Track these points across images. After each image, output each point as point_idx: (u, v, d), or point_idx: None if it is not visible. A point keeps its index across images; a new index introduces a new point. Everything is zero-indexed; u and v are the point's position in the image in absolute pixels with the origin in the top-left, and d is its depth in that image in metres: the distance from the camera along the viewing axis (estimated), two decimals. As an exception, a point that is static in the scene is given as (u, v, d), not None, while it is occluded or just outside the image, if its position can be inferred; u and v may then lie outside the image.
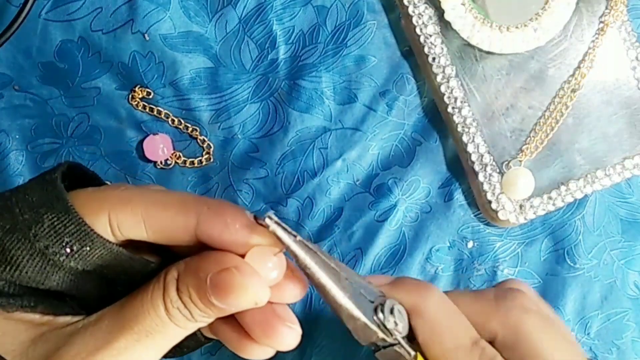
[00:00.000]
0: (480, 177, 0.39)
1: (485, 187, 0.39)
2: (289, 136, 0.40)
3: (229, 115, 0.40)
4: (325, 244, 0.40)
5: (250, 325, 0.25)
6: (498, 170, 0.39)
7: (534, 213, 0.40)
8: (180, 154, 0.40)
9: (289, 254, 0.24)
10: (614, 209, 0.41)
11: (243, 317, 0.25)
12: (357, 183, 0.41)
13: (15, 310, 0.24)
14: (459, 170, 0.41)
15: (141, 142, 0.40)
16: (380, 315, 0.25)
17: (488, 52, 0.39)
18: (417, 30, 0.39)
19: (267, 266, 0.24)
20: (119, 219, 0.23)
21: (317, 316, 0.40)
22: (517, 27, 0.39)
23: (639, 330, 0.41)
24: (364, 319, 0.24)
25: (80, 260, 0.23)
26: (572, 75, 0.40)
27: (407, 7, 0.39)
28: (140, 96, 0.39)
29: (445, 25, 0.39)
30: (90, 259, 0.23)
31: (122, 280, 0.25)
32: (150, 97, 0.40)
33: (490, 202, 0.39)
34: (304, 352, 0.40)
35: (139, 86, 0.39)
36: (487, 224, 0.41)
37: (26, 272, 0.23)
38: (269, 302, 0.24)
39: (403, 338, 0.25)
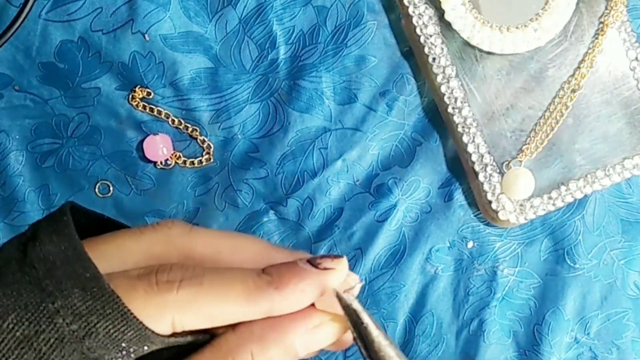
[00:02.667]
0: (481, 178, 0.39)
1: (486, 187, 0.39)
2: (289, 136, 0.40)
3: (229, 116, 0.40)
4: (325, 244, 0.40)
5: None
6: (498, 171, 0.39)
7: (534, 213, 0.40)
8: (180, 154, 0.40)
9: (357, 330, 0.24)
10: (614, 209, 0.41)
11: None
12: (357, 183, 0.41)
13: None
14: (459, 170, 0.41)
15: (141, 142, 0.40)
16: None
17: (488, 53, 0.39)
18: (418, 30, 0.39)
19: (335, 302, 0.24)
20: (184, 323, 0.22)
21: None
22: (517, 28, 0.39)
23: (639, 330, 0.41)
24: None
25: (133, 357, 0.22)
26: (572, 75, 0.40)
27: (408, 7, 0.39)
28: (141, 96, 0.39)
29: (445, 25, 0.39)
30: (146, 351, 0.22)
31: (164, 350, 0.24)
32: (150, 97, 0.40)
33: (490, 202, 0.39)
34: (304, 352, 0.40)
35: (139, 86, 0.39)
36: (487, 224, 0.41)
37: None
38: None
39: None
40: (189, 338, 0.23)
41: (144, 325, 0.21)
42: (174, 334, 0.23)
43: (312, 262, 0.24)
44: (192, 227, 0.25)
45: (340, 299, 0.23)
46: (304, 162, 0.40)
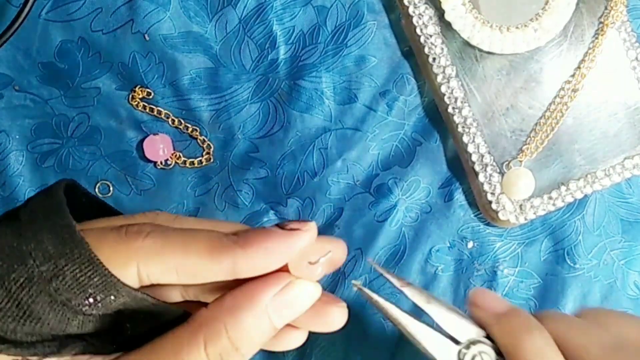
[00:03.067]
0: (481, 178, 0.39)
1: (486, 187, 0.39)
2: (289, 136, 0.40)
3: (229, 116, 0.40)
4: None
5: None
6: (498, 171, 0.39)
7: (534, 213, 0.40)
8: (180, 154, 0.40)
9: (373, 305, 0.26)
10: (614, 209, 0.41)
11: None
12: (357, 183, 0.41)
13: (39, 358, 0.23)
14: (459, 170, 0.41)
15: (141, 142, 0.40)
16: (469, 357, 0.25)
17: (488, 53, 0.39)
18: (418, 30, 0.39)
19: (313, 270, 0.24)
20: (149, 270, 0.23)
21: (317, 316, 0.40)
22: (517, 28, 0.39)
23: None
24: None
25: (102, 308, 0.22)
26: (572, 75, 0.40)
27: (408, 7, 0.39)
28: (141, 96, 0.39)
29: (445, 25, 0.39)
30: (113, 305, 0.23)
31: (139, 318, 0.24)
32: (151, 97, 0.40)
33: (490, 202, 0.39)
34: (304, 353, 0.40)
35: (139, 86, 0.39)
36: (487, 224, 0.41)
37: (47, 324, 0.22)
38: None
39: None
40: (158, 303, 0.23)
41: (109, 271, 0.22)
42: (142, 289, 0.23)
43: (280, 226, 0.24)
44: (176, 216, 0.26)
45: (362, 292, 0.25)
46: (304, 162, 0.40)
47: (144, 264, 0.23)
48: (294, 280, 0.24)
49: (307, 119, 0.40)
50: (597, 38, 0.39)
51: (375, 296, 0.26)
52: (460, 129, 0.39)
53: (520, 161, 0.39)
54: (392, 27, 0.41)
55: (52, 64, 0.39)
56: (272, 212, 0.40)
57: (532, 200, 0.39)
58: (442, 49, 0.39)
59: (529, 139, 0.40)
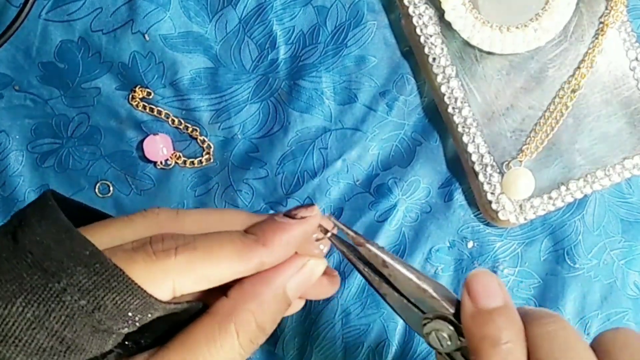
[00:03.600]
0: (481, 178, 0.39)
1: (486, 187, 0.39)
2: (289, 136, 0.40)
3: (229, 116, 0.40)
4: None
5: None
6: (498, 171, 0.39)
7: (534, 213, 0.40)
8: (180, 154, 0.40)
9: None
10: (614, 209, 0.41)
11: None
12: (357, 183, 0.41)
13: None
14: (459, 170, 0.41)
15: (141, 142, 0.40)
16: (426, 331, 0.26)
17: (488, 53, 0.39)
18: (418, 30, 0.39)
19: (317, 248, 0.27)
20: (183, 285, 0.23)
21: (317, 317, 0.40)
22: (517, 28, 0.39)
23: (639, 330, 0.41)
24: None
25: (139, 325, 0.23)
26: (572, 75, 0.40)
27: (408, 7, 0.39)
28: (141, 96, 0.39)
29: (445, 25, 0.39)
30: (151, 318, 0.23)
31: (163, 319, 0.25)
32: (151, 97, 0.40)
33: (490, 202, 0.39)
34: (304, 352, 0.40)
35: (139, 86, 0.39)
36: (487, 224, 0.41)
37: (90, 352, 0.22)
38: None
39: (451, 353, 0.26)
40: (185, 305, 0.24)
41: (148, 293, 0.22)
42: (172, 301, 0.24)
43: (289, 215, 0.26)
44: (177, 210, 0.27)
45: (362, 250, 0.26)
46: (304, 162, 0.40)
47: (179, 280, 0.23)
48: (307, 261, 0.26)
49: (307, 119, 0.40)
50: (597, 38, 0.39)
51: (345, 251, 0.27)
52: (460, 129, 0.39)
53: (520, 161, 0.39)
54: (392, 27, 0.41)
55: (52, 64, 0.39)
56: (272, 212, 0.40)
57: (532, 200, 0.39)
58: (442, 49, 0.39)
59: (529, 139, 0.40)
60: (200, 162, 0.40)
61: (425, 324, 0.26)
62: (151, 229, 0.25)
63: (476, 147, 0.39)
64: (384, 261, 0.25)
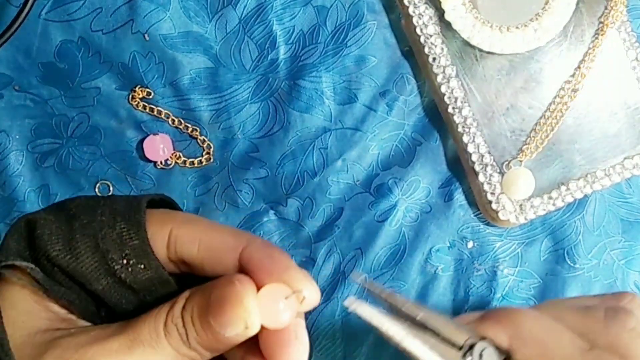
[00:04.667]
0: (481, 177, 0.39)
1: (486, 187, 0.39)
2: (289, 136, 0.40)
3: (229, 115, 0.40)
4: (325, 244, 0.40)
5: (266, 346, 0.24)
6: (498, 171, 0.39)
7: (534, 213, 0.40)
8: (180, 154, 0.40)
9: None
10: (614, 209, 0.41)
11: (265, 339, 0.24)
12: (357, 183, 0.41)
13: (53, 297, 0.24)
14: (459, 170, 0.41)
15: (141, 142, 0.40)
16: (476, 355, 0.26)
17: (488, 52, 0.39)
18: (418, 30, 0.39)
19: (277, 301, 0.23)
20: (179, 235, 0.25)
21: (317, 317, 0.40)
22: (517, 28, 0.39)
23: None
24: None
25: (130, 275, 0.24)
26: (572, 75, 0.40)
27: (408, 7, 0.39)
28: (141, 96, 0.39)
29: (445, 25, 0.39)
30: (140, 277, 0.24)
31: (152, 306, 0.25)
32: (151, 97, 0.40)
33: (490, 202, 0.39)
34: (304, 352, 0.40)
35: (139, 86, 0.39)
36: (487, 224, 0.41)
37: (82, 267, 0.24)
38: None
39: None
40: (167, 275, 0.25)
41: (147, 239, 0.24)
42: (170, 275, 0.25)
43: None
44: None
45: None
46: (304, 162, 0.40)
47: (176, 228, 0.25)
48: (237, 282, 0.23)
49: (307, 119, 0.40)
50: (597, 38, 0.39)
51: (367, 312, 0.25)
52: (460, 129, 0.39)
53: (520, 161, 0.39)
54: (392, 27, 0.41)
55: (52, 64, 0.39)
56: (272, 212, 0.40)
57: (532, 200, 0.39)
58: (442, 49, 0.39)
59: (529, 138, 0.40)
60: (200, 162, 0.40)
61: (471, 348, 0.26)
62: None
63: (476, 147, 0.39)
64: (416, 306, 0.26)
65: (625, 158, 0.40)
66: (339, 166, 0.41)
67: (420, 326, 0.26)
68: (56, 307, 0.25)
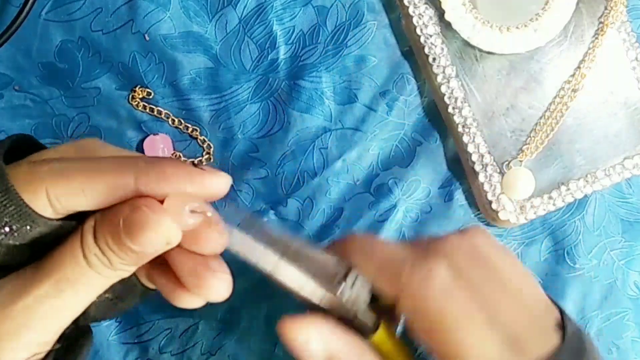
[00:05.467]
0: (481, 178, 0.39)
1: (486, 187, 0.39)
2: (289, 136, 0.40)
3: (229, 116, 0.40)
4: (325, 244, 0.40)
5: (183, 276, 0.25)
6: (498, 171, 0.39)
7: (535, 213, 0.40)
8: (181, 154, 0.40)
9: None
10: (614, 209, 0.41)
11: (177, 268, 0.25)
12: (357, 183, 0.41)
13: None
14: (459, 170, 0.41)
15: (141, 142, 0.40)
16: (341, 290, 0.26)
17: (488, 53, 0.39)
18: (418, 30, 0.39)
19: (183, 210, 0.24)
20: (57, 193, 0.23)
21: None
22: (517, 28, 0.39)
23: (639, 330, 0.41)
24: (325, 299, 0.25)
25: (19, 238, 0.23)
26: (572, 75, 0.40)
27: (408, 7, 0.39)
28: (141, 96, 0.39)
29: (445, 25, 0.39)
30: (30, 235, 0.23)
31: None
32: (151, 97, 0.40)
33: (490, 202, 0.39)
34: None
35: (139, 86, 0.39)
36: (487, 224, 0.41)
37: None
38: (200, 254, 0.25)
39: (365, 309, 0.26)
40: (60, 222, 0.24)
41: (23, 201, 0.22)
42: (59, 220, 0.24)
43: (194, 163, 0.25)
44: (103, 143, 0.27)
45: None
46: (304, 162, 0.40)
47: (51, 187, 0.23)
48: (145, 208, 0.23)
49: (307, 119, 0.40)
50: (597, 38, 0.39)
51: (238, 241, 0.25)
52: (460, 129, 0.39)
53: (521, 161, 0.39)
54: (392, 27, 0.41)
55: (52, 64, 0.39)
56: (272, 212, 0.40)
57: (532, 200, 0.39)
58: (442, 49, 0.39)
59: (529, 139, 0.40)
60: (201, 161, 0.40)
61: (345, 276, 0.26)
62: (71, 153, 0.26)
63: (476, 147, 0.39)
64: (290, 236, 0.26)
65: (625, 158, 0.40)
66: (339, 166, 0.41)
67: (295, 256, 0.26)
68: None
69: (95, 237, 0.23)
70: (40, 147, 0.28)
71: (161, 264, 0.26)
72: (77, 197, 0.23)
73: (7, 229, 0.23)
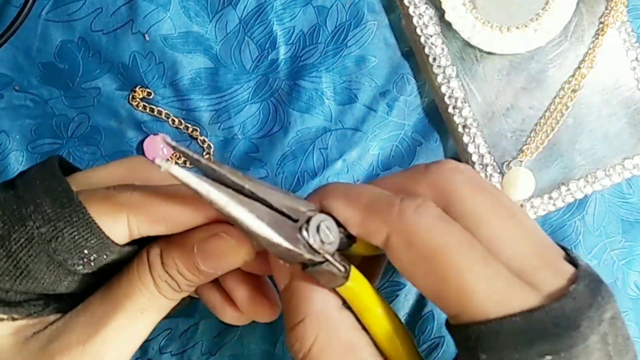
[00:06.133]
0: (481, 178, 0.39)
1: (486, 187, 0.39)
2: (289, 136, 0.40)
3: (229, 116, 0.40)
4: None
5: (238, 298, 0.26)
6: (499, 171, 0.39)
7: (535, 213, 0.40)
8: (181, 155, 0.40)
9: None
10: (614, 209, 0.41)
11: (231, 289, 0.26)
12: (358, 183, 0.41)
13: (24, 316, 0.24)
14: (459, 170, 0.41)
15: (141, 142, 0.40)
16: (305, 234, 0.23)
17: (489, 53, 0.39)
18: (418, 30, 0.39)
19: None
20: (139, 222, 0.23)
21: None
22: (517, 28, 0.39)
23: (639, 330, 0.41)
24: (285, 244, 0.22)
25: (94, 267, 0.23)
26: (573, 75, 0.40)
27: (408, 7, 0.39)
28: (141, 96, 0.39)
29: (445, 25, 0.39)
30: (105, 262, 0.24)
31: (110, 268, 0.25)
32: (151, 97, 0.40)
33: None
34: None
35: (139, 86, 0.39)
36: (488, 224, 0.41)
37: (42, 283, 0.23)
38: (254, 277, 0.26)
39: (334, 253, 0.23)
40: (136, 247, 0.24)
41: (105, 234, 0.23)
42: (130, 244, 0.24)
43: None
44: (147, 160, 0.28)
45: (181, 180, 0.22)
46: (304, 162, 0.40)
47: (135, 216, 0.23)
48: (223, 234, 0.24)
49: (307, 119, 0.40)
50: (597, 38, 0.39)
51: (185, 174, 0.21)
52: (460, 129, 0.39)
53: (521, 161, 0.39)
54: (392, 27, 0.41)
55: (52, 64, 0.39)
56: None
57: (532, 200, 0.39)
58: (443, 49, 0.39)
59: (529, 139, 0.40)
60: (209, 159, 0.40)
61: (308, 221, 0.23)
62: (122, 170, 0.27)
63: (476, 147, 0.39)
64: (244, 176, 0.23)
65: (625, 158, 0.40)
66: (339, 166, 0.41)
67: (250, 196, 0.23)
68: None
69: (163, 264, 0.24)
70: (69, 166, 0.28)
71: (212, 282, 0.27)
72: (158, 226, 0.24)
73: (85, 260, 0.23)
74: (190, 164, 0.25)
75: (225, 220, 0.24)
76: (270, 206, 0.23)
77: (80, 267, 0.23)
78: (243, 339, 0.40)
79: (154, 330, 0.39)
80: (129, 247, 0.24)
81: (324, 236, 0.23)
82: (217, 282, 0.27)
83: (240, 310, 0.27)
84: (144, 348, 0.39)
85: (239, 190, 0.23)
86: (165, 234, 0.24)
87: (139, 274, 0.24)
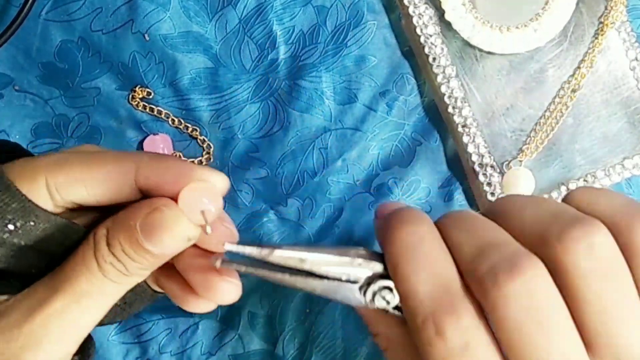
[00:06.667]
0: (481, 178, 0.39)
1: (486, 187, 0.39)
2: (289, 136, 0.40)
3: (229, 115, 0.40)
4: (325, 244, 0.40)
5: (192, 280, 0.25)
6: (498, 171, 0.39)
7: (534, 213, 0.40)
8: (181, 154, 0.40)
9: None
10: (613, 209, 0.41)
11: (186, 272, 0.25)
12: (357, 183, 0.41)
13: None
14: (459, 170, 0.41)
15: (141, 142, 0.40)
16: (369, 302, 0.23)
17: (488, 53, 0.39)
18: (418, 30, 0.39)
19: (198, 206, 0.23)
20: (57, 182, 0.23)
21: (317, 317, 0.40)
22: (517, 28, 0.39)
23: None
24: (355, 303, 0.24)
25: (24, 236, 0.23)
26: (572, 75, 0.40)
27: (408, 7, 0.39)
28: (141, 96, 0.39)
29: (445, 25, 0.39)
30: (34, 233, 0.23)
31: (63, 254, 0.24)
32: (151, 97, 0.40)
33: (490, 202, 0.39)
34: (304, 352, 0.40)
35: (139, 86, 0.39)
36: (487, 224, 0.41)
37: None
38: (208, 257, 0.25)
39: (395, 308, 0.24)
40: (78, 226, 0.24)
41: (26, 196, 0.22)
42: (61, 214, 0.23)
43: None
44: (101, 148, 0.27)
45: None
46: (304, 162, 0.40)
47: (50, 175, 0.23)
48: (165, 208, 0.23)
49: (307, 119, 0.40)
50: (597, 38, 0.40)
51: (249, 269, 0.23)
52: (460, 129, 0.39)
53: (521, 161, 0.39)
54: (392, 27, 0.41)
55: (52, 64, 0.39)
56: (272, 211, 0.40)
57: (532, 200, 0.39)
58: (442, 49, 0.39)
59: (529, 139, 0.40)
60: (200, 162, 0.40)
61: (366, 290, 0.24)
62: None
63: (476, 147, 0.39)
64: (300, 259, 0.23)
65: (625, 158, 0.40)
66: (339, 166, 0.41)
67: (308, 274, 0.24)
68: None
69: (109, 245, 0.23)
70: (27, 154, 0.27)
71: (169, 268, 0.26)
72: (77, 187, 0.23)
73: (11, 226, 0.22)
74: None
75: (167, 195, 0.23)
76: (331, 278, 0.24)
77: (7, 234, 0.22)
78: (243, 339, 0.40)
79: (154, 330, 0.39)
80: (67, 221, 0.23)
81: (385, 294, 0.23)
82: (177, 272, 0.26)
83: (200, 295, 0.26)
84: (144, 348, 0.39)
85: (298, 272, 0.24)
86: (93, 203, 0.24)
87: (83, 255, 0.23)
